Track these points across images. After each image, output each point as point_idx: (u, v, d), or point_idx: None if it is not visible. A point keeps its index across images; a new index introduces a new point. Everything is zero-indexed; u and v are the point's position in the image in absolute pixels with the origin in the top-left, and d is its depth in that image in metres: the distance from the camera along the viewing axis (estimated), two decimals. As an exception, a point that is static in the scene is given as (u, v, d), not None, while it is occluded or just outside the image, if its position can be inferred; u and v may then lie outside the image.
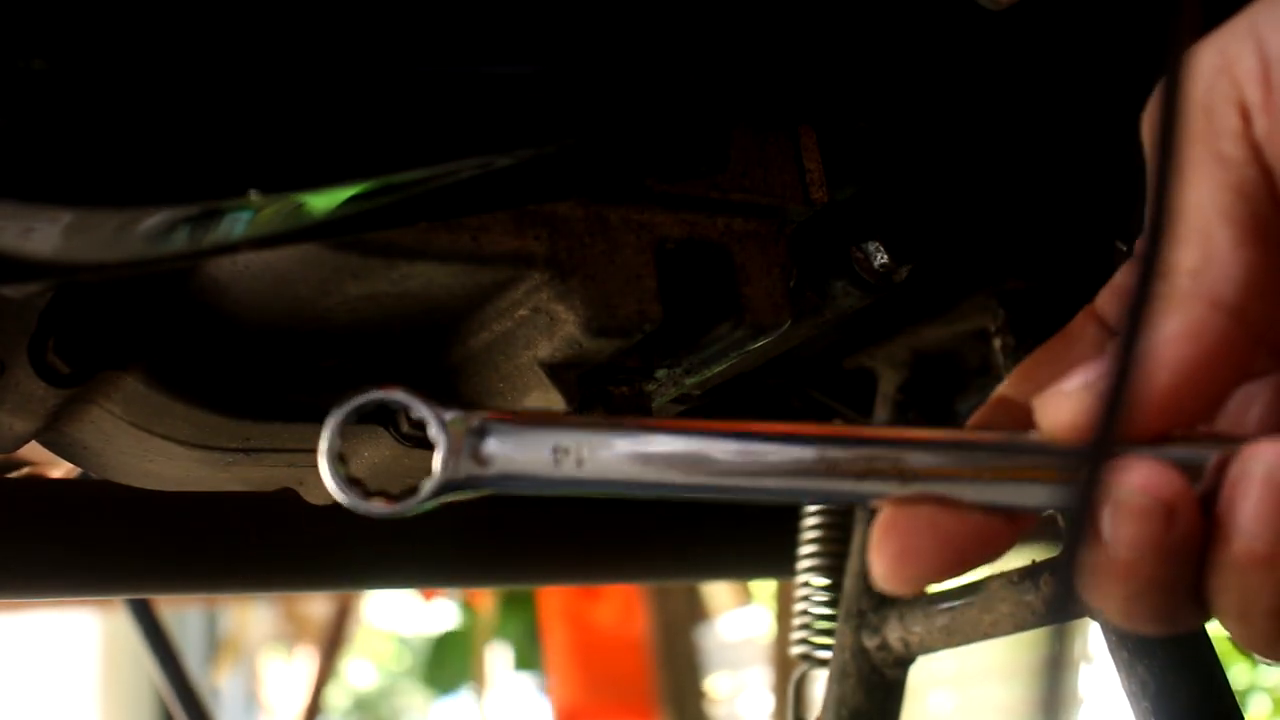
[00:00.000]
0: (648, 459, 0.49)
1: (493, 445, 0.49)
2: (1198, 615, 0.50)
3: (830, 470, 0.50)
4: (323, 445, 0.49)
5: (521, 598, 4.77)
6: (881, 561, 0.51)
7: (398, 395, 0.49)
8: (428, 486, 0.49)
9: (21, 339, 0.59)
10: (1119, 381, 0.35)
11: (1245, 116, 0.50)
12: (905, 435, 0.51)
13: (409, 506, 0.49)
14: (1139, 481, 0.48)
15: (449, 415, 0.49)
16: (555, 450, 0.49)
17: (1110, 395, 0.35)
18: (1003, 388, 0.56)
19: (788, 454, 0.50)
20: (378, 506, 0.49)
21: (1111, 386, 0.35)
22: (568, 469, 0.49)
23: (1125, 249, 0.84)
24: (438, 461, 0.49)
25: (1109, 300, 0.56)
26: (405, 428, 0.65)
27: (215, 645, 6.21)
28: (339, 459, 0.49)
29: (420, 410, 0.49)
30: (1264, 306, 0.50)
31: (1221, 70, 0.50)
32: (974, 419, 0.56)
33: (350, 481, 0.49)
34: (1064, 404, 0.50)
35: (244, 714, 6.62)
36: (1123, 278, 0.57)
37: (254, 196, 0.48)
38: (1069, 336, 0.56)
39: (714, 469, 0.50)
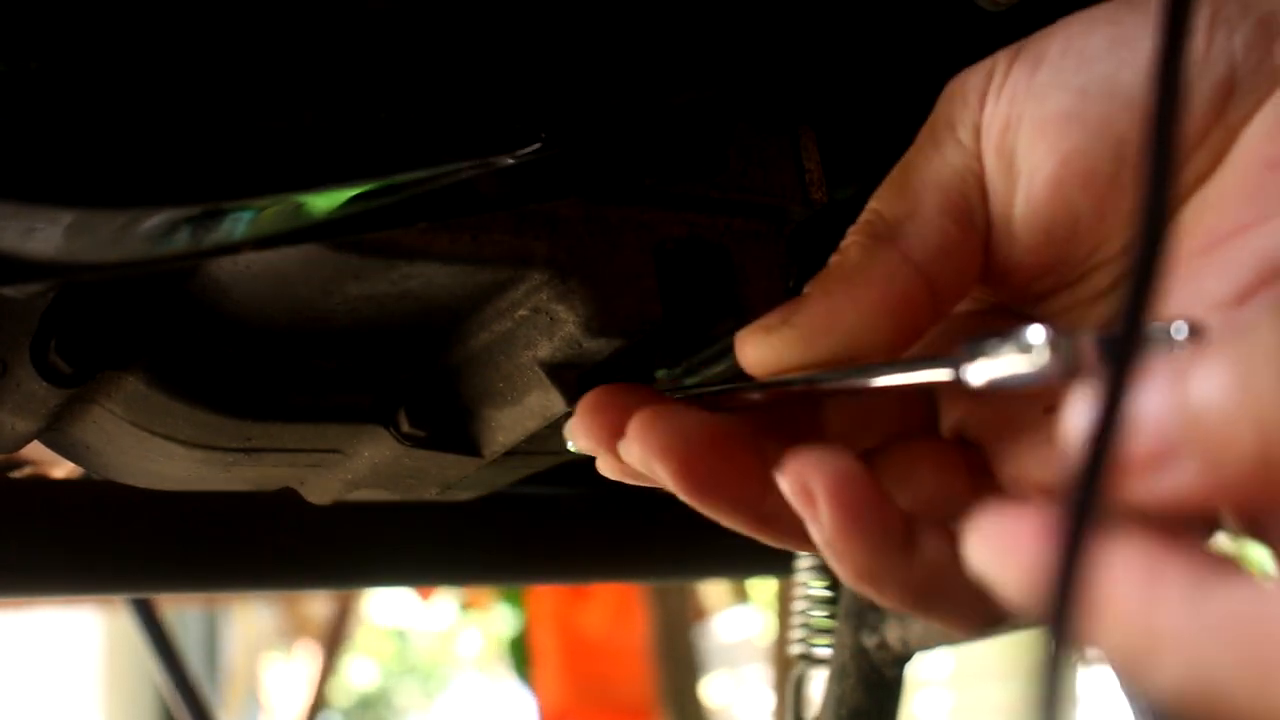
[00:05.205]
0: None
1: None
2: None
3: None
4: None
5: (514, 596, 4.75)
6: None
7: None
8: None
9: (24, 339, 0.59)
10: (1124, 352, 0.35)
11: (981, 108, 0.54)
12: None
13: None
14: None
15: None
16: None
17: (1112, 401, 0.35)
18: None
19: None
20: None
21: (1118, 356, 0.35)
22: None
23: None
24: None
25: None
26: (405, 427, 0.65)
27: (218, 670, 6.15)
28: None
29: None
30: (948, 274, 0.53)
31: (988, 67, 0.55)
32: None
33: None
34: None
35: (245, 713, 6.61)
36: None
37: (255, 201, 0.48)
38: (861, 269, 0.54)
39: None
